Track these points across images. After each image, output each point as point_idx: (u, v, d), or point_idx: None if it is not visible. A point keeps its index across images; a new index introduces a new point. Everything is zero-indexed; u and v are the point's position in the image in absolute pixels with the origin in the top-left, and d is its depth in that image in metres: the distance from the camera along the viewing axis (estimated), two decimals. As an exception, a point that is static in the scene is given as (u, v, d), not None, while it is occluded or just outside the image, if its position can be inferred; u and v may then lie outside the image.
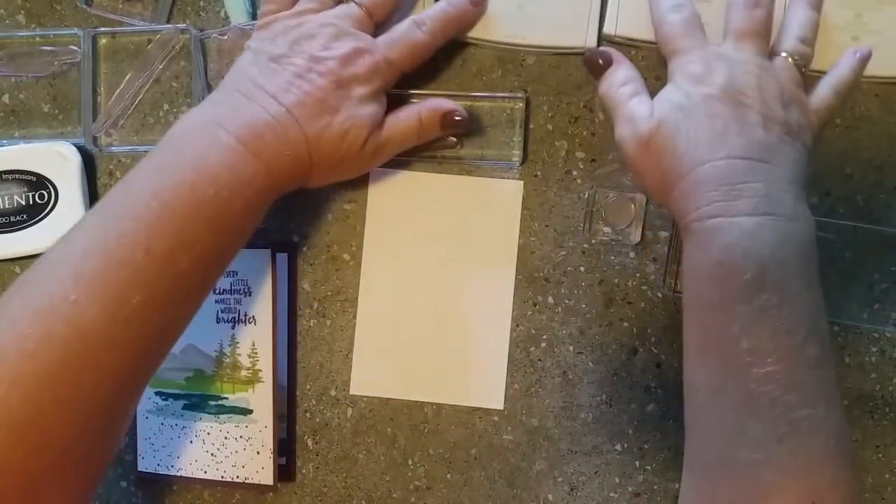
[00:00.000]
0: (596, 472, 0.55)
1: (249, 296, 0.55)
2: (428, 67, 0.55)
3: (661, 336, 0.55)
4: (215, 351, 0.55)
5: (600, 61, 0.49)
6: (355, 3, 0.50)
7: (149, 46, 0.56)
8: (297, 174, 0.47)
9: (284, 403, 0.56)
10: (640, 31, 0.53)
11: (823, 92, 0.47)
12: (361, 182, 0.56)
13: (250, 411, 0.55)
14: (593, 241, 0.54)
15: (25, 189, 0.56)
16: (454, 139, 0.55)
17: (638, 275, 0.55)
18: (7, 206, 0.56)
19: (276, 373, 0.55)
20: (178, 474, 0.56)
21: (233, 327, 0.55)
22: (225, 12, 0.56)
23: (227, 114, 0.45)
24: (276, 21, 0.49)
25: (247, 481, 0.55)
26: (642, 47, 0.54)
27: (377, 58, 0.48)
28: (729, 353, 0.40)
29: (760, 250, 0.40)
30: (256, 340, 0.55)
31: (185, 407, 0.56)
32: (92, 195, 0.57)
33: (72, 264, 0.41)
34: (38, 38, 0.57)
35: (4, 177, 0.56)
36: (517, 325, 0.55)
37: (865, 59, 0.48)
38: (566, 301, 0.55)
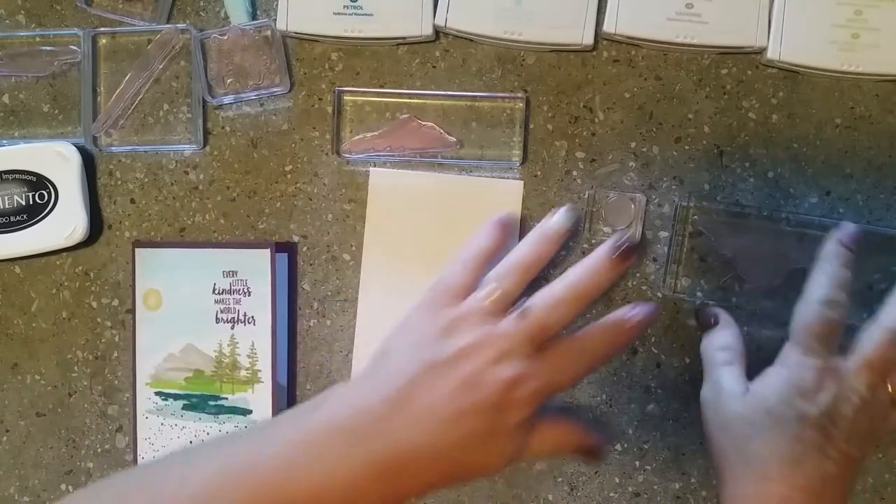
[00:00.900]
0: (596, 472, 0.55)
1: (249, 296, 0.55)
2: (428, 67, 0.55)
3: (661, 336, 0.54)
4: (214, 351, 0.55)
5: (711, 321, 0.50)
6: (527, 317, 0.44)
7: (149, 46, 0.56)
8: None
9: (284, 403, 0.56)
10: (641, 29, 0.53)
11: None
12: (361, 182, 0.56)
13: (250, 411, 0.55)
14: (593, 242, 0.54)
15: (25, 189, 0.56)
16: (453, 139, 0.55)
17: (638, 275, 0.54)
18: (7, 206, 0.56)
19: (275, 373, 0.55)
20: None
21: (232, 327, 0.55)
22: (225, 12, 0.56)
23: None
24: (460, 319, 0.44)
25: None
26: (642, 46, 0.54)
27: (540, 383, 0.43)
28: None
29: None
30: (256, 340, 0.55)
31: (185, 407, 0.56)
32: (92, 195, 0.57)
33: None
34: (38, 38, 0.57)
35: (4, 177, 0.56)
36: (517, 325, 0.55)
37: None
38: (566, 301, 0.55)
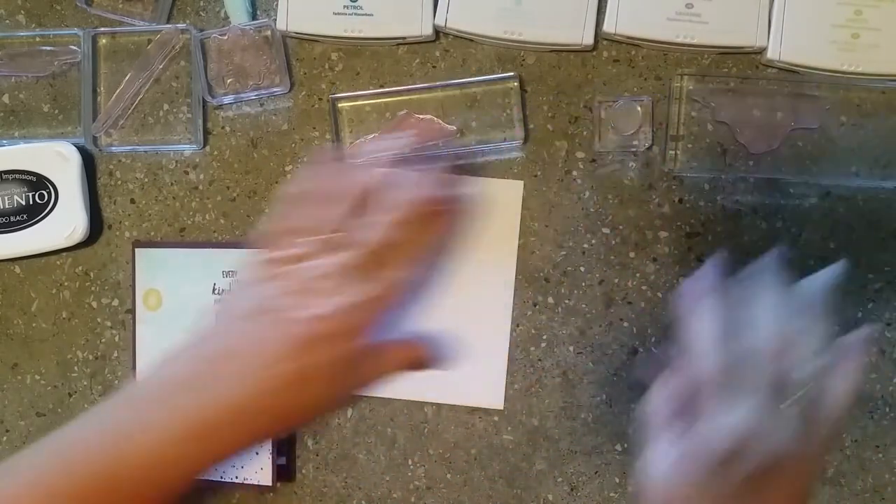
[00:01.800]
0: (596, 472, 0.55)
1: None
2: (428, 67, 0.55)
3: (661, 336, 0.54)
4: None
5: (647, 380, 0.48)
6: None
7: (149, 46, 0.56)
8: None
9: None
10: (641, 29, 0.53)
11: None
12: (361, 182, 0.56)
13: None
14: (604, 152, 0.53)
15: (25, 189, 0.56)
16: (453, 128, 0.55)
17: (638, 275, 0.55)
18: (7, 206, 0.56)
19: None
20: None
21: None
22: (225, 12, 0.56)
23: None
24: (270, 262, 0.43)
25: (245, 482, 0.55)
26: (642, 46, 0.54)
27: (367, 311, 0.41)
28: None
29: None
30: None
31: None
32: (92, 195, 0.57)
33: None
34: (38, 38, 0.57)
35: (4, 177, 0.56)
36: (517, 325, 0.55)
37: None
38: (566, 301, 0.55)
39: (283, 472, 0.56)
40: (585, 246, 0.55)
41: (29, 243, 0.56)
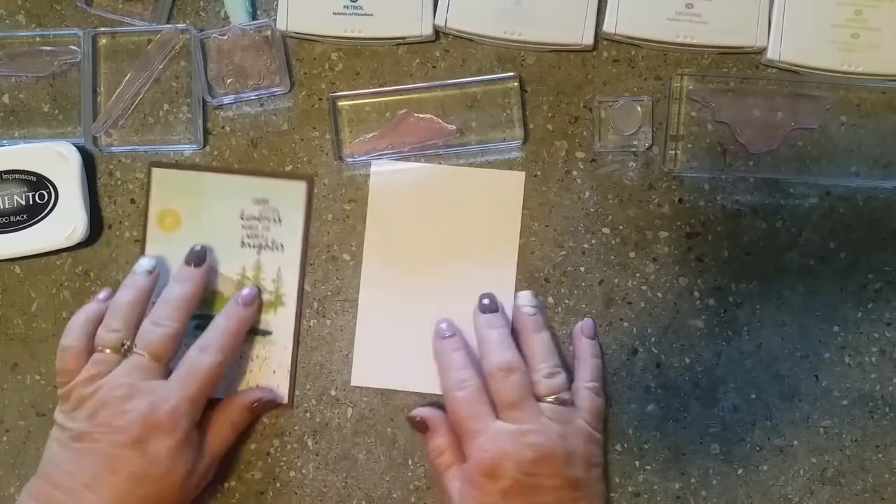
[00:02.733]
0: (596, 472, 0.55)
1: (279, 224, 0.55)
2: (428, 67, 0.55)
3: (661, 336, 0.54)
4: (237, 274, 0.56)
5: (420, 426, 0.53)
6: (136, 353, 0.50)
7: (149, 46, 0.56)
8: None
9: (300, 326, 0.56)
10: (641, 29, 0.53)
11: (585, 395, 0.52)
12: (361, 182, 0.56)
13: (269, 332, 0.55)
14: (604, 152, 0.54)
15: (25, 189, 0.56)
16: (453, 127, 0.55)
17: (638, 275, 0.55)
18: (7, 206, 0.56)
19: (301, 298, 0.55)
20: None
21: (258, 252, 0.56)
22: (225, 12, 0.56)
23: None
24: (71, 391, 0.50)
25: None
26: (642, 46, 0.54)
27: (173, 403, 0.49)
28: None
29: None
30: (282, 266, 0.55)
31: (197, 328, 0.54)
32: (92, 195, 0.57)
33: None
34: (38, 38, 0.57)
35: (4, 177, 0.56)
36: (517, 325, 0.55)
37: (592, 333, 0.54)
38: (566, 301, 0.55)
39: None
40: (585, 246, 0.55)
41: (29, 243, 0.56)
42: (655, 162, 0.54)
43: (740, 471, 0.54)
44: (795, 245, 0.54)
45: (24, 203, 0.56)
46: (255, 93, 0.55)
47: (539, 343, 0.52)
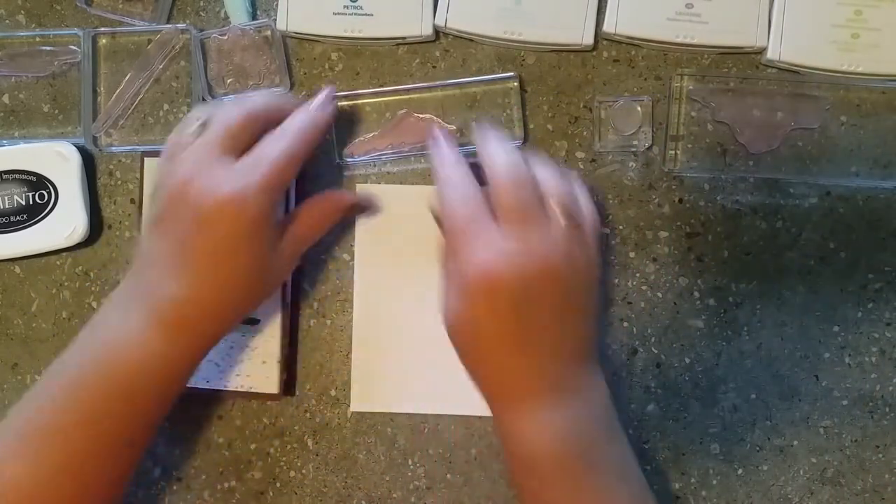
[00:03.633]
0: (596, 472, 0.55)
1: None
2: (428, 67, 0.55)
3: (661, 336, 0.54)
4: None
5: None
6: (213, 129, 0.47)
7: (149, 46, 0.56)
8: None
9: (287, 319, 0.55)
10: (641, 29, 0.53)
11: None
12: (361, 182, 0.56)
13: (257, 321, 0.54)
14: (604, 152, 0.54)
15: (25, 189, 0.56)
16: (453, 127, 0.55)
17: (638, 275, 0.55)
18: (7, 206, 0.56)
19: (285, 284, 0.54)
20: None
21: None
22: (225, 12, 0.56)
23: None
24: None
25: (251, 390, 0.54)
26: (642, 46, 0.54)
27: (237, 187, 0.45)
28: None
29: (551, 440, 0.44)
30: None
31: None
32: (92, 195, 0.57)
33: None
34: (38, 38, 0.57)
35: (4, 177, 0.56)
36: (517, 325, 0.55)
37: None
38: (566, 301, 0.55)
39: (287, 387, 0.55)
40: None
41: (29, 243, 0.56)
42: (655, 162, 0.54)
43: (740, 471, 0.54)
44: (795, 245, 0.54)
45: (23, 203, 0.56)
46: (256, 93, 0.55)
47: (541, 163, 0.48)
